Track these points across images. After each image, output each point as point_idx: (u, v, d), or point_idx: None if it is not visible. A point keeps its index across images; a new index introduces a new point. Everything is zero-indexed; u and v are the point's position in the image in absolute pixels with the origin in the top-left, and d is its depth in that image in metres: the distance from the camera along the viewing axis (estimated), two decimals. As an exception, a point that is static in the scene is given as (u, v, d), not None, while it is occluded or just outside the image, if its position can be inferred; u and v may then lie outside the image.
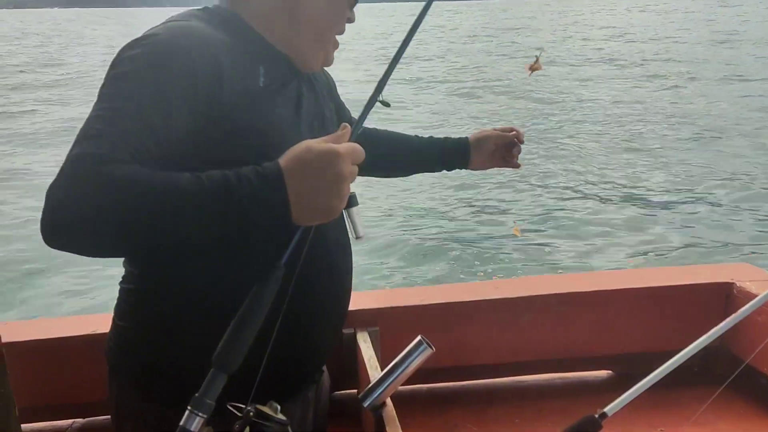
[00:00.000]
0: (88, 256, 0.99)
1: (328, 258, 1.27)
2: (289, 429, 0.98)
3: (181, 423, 0.89)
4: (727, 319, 1.31)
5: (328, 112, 1.40)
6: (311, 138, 1.03)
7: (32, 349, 1.78)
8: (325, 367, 1.51)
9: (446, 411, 1.91)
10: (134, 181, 0.94)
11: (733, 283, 2.00)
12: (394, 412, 1.47)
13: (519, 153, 1.68)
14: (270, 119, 1.17)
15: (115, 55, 1.10)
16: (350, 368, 1.83)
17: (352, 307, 1.90)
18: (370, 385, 1.47)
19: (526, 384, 2.07)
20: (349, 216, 1.19)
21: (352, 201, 1.08)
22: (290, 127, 1.21)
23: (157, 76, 1.04)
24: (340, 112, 1.53)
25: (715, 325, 1.36)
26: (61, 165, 0.96)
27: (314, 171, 0.96)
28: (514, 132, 1.66)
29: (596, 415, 1.20)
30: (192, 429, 0.88)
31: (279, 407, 0.98)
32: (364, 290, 2.26)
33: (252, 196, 0.95)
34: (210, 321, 1.04)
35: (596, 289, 2.01)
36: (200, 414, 0.89)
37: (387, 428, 1.42)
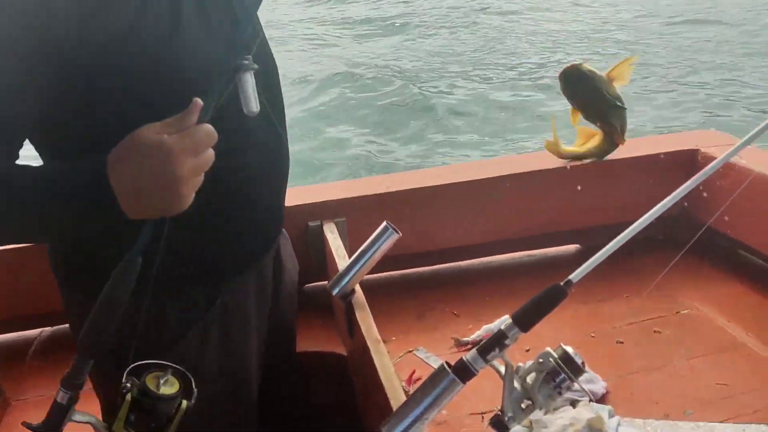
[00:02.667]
0: None
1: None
2: (181, 401, 0.94)
3: (56, 397, 0.91)
4: (688, 182, 1.30)
5: None
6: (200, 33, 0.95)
7: None
8: (294, 256, 1.49)
9: (420, 295, 1.94)
10: None
11: (697, 149, 2.00)
12: (364, 298, 1.48)
13: None
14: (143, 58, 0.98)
15: None
16: (319, 260, 1.83)
17: (317, 199, 1.90)
18: (339, 273, 1.47)
19: (497, 264, 2.09)
20: (241, 86, 0.95)
21: (242, 66, 0.91)
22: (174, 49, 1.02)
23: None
24: None
25: (682, 192, 1.35)
26: None
27: (143, 172, 0.84)
28: None
29: (562, 283, 1.23)
30: (62, 403, 0.91)
31: (162, 381, 0.94)
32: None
33: (80, 195, 0.87)
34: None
35: (560, 165, 2.00)
36: (70, 392, 0.91)
37: (356, 314, 1.43)
